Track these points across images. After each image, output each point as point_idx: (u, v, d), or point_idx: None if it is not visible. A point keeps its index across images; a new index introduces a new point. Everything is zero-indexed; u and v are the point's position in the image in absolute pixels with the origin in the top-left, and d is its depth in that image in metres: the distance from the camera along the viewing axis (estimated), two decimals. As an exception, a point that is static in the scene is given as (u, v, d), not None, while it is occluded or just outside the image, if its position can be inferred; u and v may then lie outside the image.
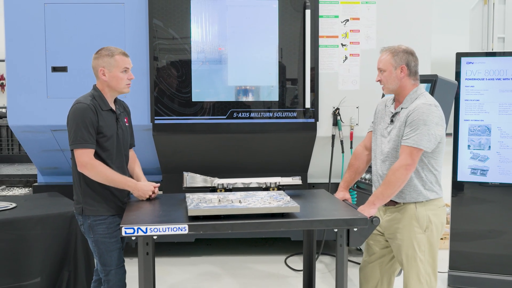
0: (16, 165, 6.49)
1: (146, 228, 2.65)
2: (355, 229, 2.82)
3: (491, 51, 9.08)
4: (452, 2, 14.45)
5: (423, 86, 3.13)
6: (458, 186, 4.28)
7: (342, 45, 4.76)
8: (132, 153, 3.47)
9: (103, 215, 3.14)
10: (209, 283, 4.64)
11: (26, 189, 7.16)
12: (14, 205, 4.01)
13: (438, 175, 3.06)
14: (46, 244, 3.78)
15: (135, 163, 3.47)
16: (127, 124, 3.36)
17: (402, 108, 3.05)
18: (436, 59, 7.50)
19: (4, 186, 7.94)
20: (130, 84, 3.22)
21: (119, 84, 3.17)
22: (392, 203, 3.08)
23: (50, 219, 3.80)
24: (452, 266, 4.32)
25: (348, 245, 2.85)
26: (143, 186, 3.25)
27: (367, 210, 2.92)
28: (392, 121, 3.08)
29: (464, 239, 4.28)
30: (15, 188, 7.85)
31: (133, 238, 2.68)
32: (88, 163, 3.06)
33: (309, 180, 5.08)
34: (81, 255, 3.89)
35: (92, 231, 3.14)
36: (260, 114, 4.68)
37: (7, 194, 7.29)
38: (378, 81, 3.11)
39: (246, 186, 3.36)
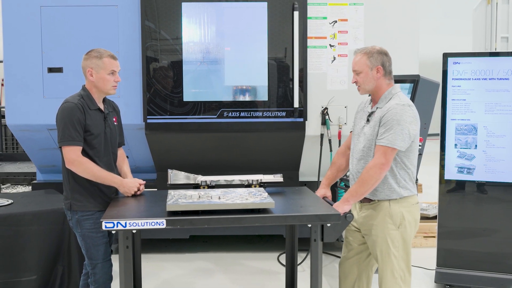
0: (18, 164, 6.64)
1: (126, 222, 2.76)
2: (329, 225, 2.91)
3: (494, 51, 9.08)
4: (455, 2, 14.43)
5: (398, 86, 3.20)
6: (445, 185, 4.33)
7: (331, 46, 4.84)
8: (121, 151, 3.58)
9: (90, 211, 3.26)
10: (201, 278, 4.74)
11: (30, 187, 7.31)
12: (10, 201, 4.13)
13: (411, 173, 3.13)
14: (41, 239, 3.88)
15: (123, 161, 3.58)
16: (115, 124, 3.48)
17: (377, 108, 3.13)
18: (440, 60, 7.55)
19: (8, 184, 8.12)
20: (116, 86, 3.33)
21: (105, 86, 3.28)
22: (367, 200, 3.16)
23: (44, 215, 3.90)
24: (439, 263, 4.36)
25: (322, 240, 2.94)
26: (129, 182, 3.36)
27: (341, 206, 3.00)
28: (368, 120, 3.16)
29: (451, 237, 4.32)
30: (19, 186, 8.02)
31: (113, 232, 2.80)
32: (76, 160, 3.18)
33: (301, 179, 5.15)
34: (74, 250, 3.99)
35: (80, 226, 3.26)
36: (250, 114, 4.77)
37: (11, 192, 7.45)
38: (354, 82, 3.19)
39: (228, 183, 3.45)
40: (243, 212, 2.87)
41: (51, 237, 3.94)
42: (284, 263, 4.98)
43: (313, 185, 4.80)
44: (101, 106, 3.35)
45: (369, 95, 3.26)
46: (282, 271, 4.87)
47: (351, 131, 3.40)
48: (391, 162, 3.01)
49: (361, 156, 3.15)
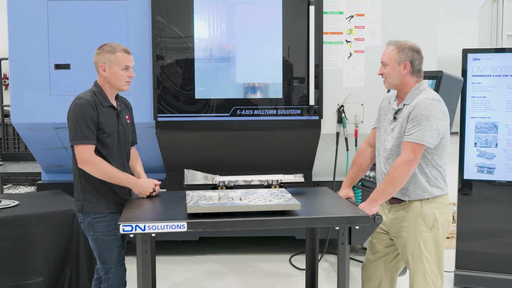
0: (21, 163, 6.49)
1: (145, 226, 2.62)
2: (357, 227, 2.78)
3: (499, 47, 8.99)
4: (460, 0, 14.35)
5: (426, 82, 3.08)
6: (464, 184, 4.23)
7: (347, 41, 4.72)
8: (133, 150, 3.45)
9: (103, 213, 3.13)
10: (212, 281, 4.62)
11: (32, 187, 7.16)
12: (16, 203, 4.01)
13: (443, 171, 3.01)
14: (48, 242, 3.77)
15: (136, 161, 3.45)
16: (128, 121, 3.34)
17: (404, 105, 3.01)
18: (447, 58, 7.46)
19: (10, 185, 7.97)
20: (130, 81, 3.20)
21: (119, 81, 3.15)
22: (397, 201, 3.03)
23: (52, 217, 3.79)
24: (458, 266, 4.27)
25: (350, 243, 2.81)
26: (144, 183, 3.22)
27: (369, 207, 2.87)
28: (395, 118, 3.04)
29: (470, 238, 4.23)
30: (21, 186, 7.87)
31: (131, 235, 2.66)
32: (89, 159, 3.04)
33: (314, 178, 5.04)
34: (83, 253, 3.88)
35: (92, 229, 3.12)
36: (264, 112, 4.66)
37: (13, 192, 7.31)
38: (380, 74, 3.07)
39: (247, 183, 3.32)
40: (268, 214, 2.74)
41: (59, 240, 3.83)
42: (296, 265, 4.89)
43: (327, 185, 4.69)
44: (114, 103, 3.22)
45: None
46: (295, 273, 4.76)
47: (373, 128, 3.27)
48: (419, 159, 2.89)
49: (389, 155, 3.03)
